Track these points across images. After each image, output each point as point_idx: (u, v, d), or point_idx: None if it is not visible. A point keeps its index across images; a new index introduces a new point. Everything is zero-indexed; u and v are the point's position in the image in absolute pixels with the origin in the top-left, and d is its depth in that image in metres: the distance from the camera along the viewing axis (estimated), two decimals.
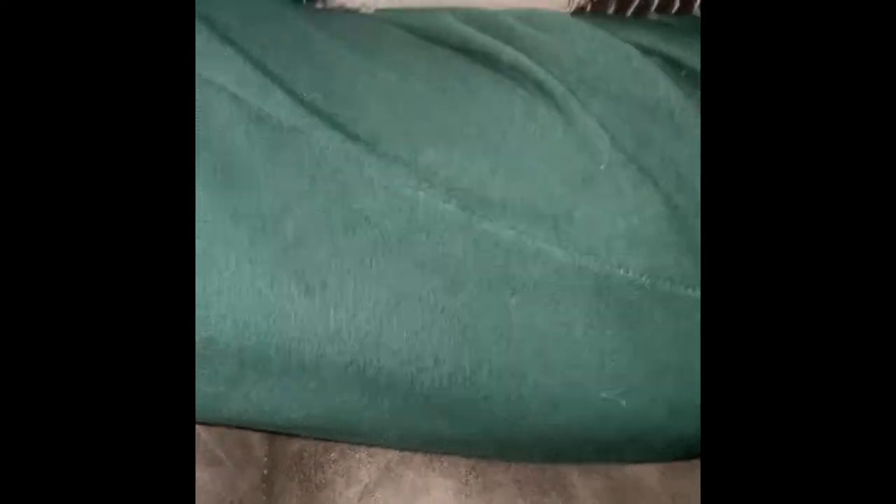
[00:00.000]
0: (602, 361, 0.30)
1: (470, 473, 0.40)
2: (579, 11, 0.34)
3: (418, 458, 0.40)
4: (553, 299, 0.29)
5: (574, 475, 0.40)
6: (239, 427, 0.39)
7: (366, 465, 0.40)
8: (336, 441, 0.40)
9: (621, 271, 0.29)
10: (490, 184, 0.29)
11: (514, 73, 0.31)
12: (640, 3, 0.34)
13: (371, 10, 0.35)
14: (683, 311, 0.30)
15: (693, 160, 0.30)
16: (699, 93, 0.31)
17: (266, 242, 0.28)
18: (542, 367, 0.30)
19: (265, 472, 0.42)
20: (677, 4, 0.34)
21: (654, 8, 0.34)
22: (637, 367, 0.30)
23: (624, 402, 0.30)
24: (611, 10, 0.34)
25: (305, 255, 0.29)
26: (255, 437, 0.43)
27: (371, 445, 0.40)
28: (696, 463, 0.42)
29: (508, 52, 0.31)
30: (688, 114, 0.30)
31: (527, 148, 0.29)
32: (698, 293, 0.29)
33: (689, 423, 0.32)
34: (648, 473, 0.41)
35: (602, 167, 0.29)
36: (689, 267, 0.29)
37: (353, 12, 0.35)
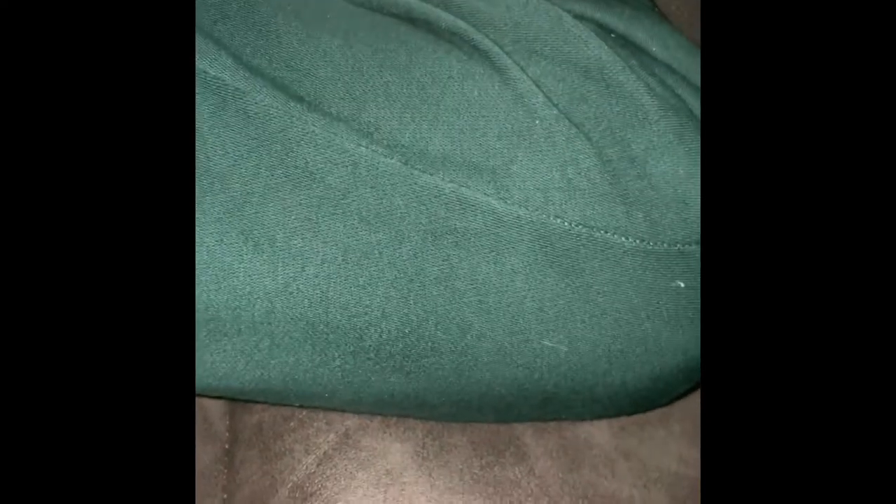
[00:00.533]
0: (542, 308, 0.31)
1: (427, 437, 0.41)
2: None
3: (375, 423, 0.41)
4: (493, 249, 0.30)
5: (527, 435, 0.41)
6: (198, 396, 0.40)
7: (324, 432, 0.41)
8: (293, 408, 0.40)
9: (558, 221, 0.30)
10: (430, 139, 0.30)
11: (453, 37, 0.32)
12: None
13: None
14: (617, 259, 0.31)
15: (623, 115, 0.31)
16: (628, 52, 0.33)
17: (214, 201, 0.29)
18: (486, 317, 0.31)
19: (226, 446, 0.43)
20: None
21: None
22: (576, 313, 0.31)
23: (565, 348, 0.32)
24: None
25: (253, 212, 0.29)
26: (216, 413, 0.44)
27: (328, 412, 0.41)
28: (646, 421, 0.43)
29: (447, 18, 0.32)
30: (617, 71, 0.32)
31: (465, 105, 0.31)
32: (631, 241, 0.31)
33: (629, 368, 0.33)
34: (600, 432, 0.42)
35: (537, 122, 0.31)
36: (621, 216, 0.31)
37: None
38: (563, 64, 0.32)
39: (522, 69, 0.31)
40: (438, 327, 0.31)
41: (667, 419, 0.44)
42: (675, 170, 0.31)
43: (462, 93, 0.31)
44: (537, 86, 0.31)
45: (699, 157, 0.31)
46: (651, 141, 0.31)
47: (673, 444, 0.43)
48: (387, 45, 0.32)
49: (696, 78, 0.35)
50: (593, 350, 0.32)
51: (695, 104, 0.33)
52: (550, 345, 0.32)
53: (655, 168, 0.31)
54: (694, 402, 0.45)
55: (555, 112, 0.31)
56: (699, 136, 0.32)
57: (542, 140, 0.31)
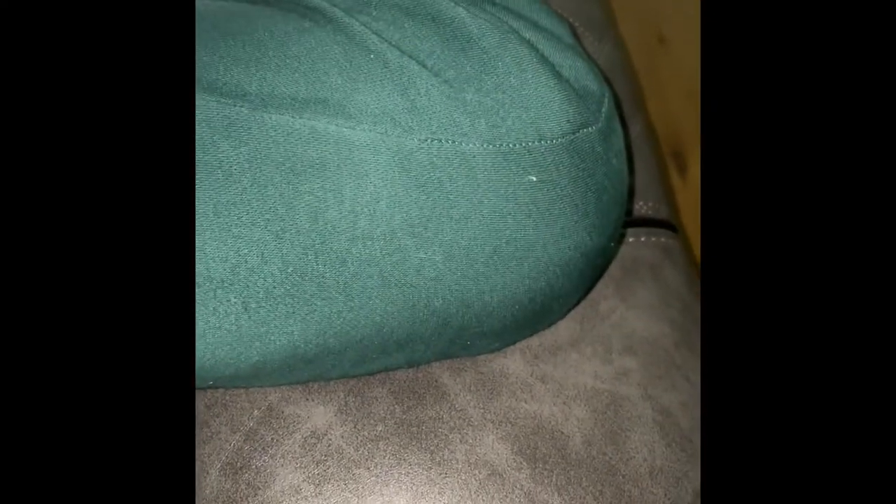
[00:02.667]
0: (411, 223, 0.33)
1: (348, 395, 0.42)
2: None
3: (297, 394, 0.42)
4: (354, 175, 0.33)
5: (444, 376, 0.43)
6: None
7: (247, 411, 0.42)
8: (216, 394, 0.41)
9: (407, 138, 0.33)
10: (275, 84, 0.33)
11: (287, 4, 0.35)
12: None
13: None
14: (468, 164, 0.33)
15: (451, 41, 0.34)
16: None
17: None
18: (362, 243, 0.33)
19: None
20: None
21: None
22: (443, 222, 0.33)
23: (440, 258, 0.34)
24: None
25: None
26: None
27: (251, 392, 0.42)
28: (557, 348, 0.45)
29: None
30: (437, 2, 0.35)
31: (304, 52, 0.33)
32: (477, 145, 0.33)
33: (506, 270, 0.35)
34: (514, 363, 0.44)
35: (372, 56, 0.33)
36: (465, 125, 0.33)
37: None
38: (392, 10, 0.35)
39: (353, 16, 0.34)
40: (318, 261, 0.33)
41: (577, 343, 0.46)
42: (507, 80, 0.34)
43: (300, 44, 0.33)
44: (368, 28, 0.34)
45: (528, 64, 0.34)
46: (481, 58, 0.34)
47: (586, 364, 0.45)
48: (225, 20, 0.34)
49: (527, 12, 0.38)
50: (467, 255, 0.34)
51: (518, 26, 0.36)
52: (426, 256, 0.34)
53: (488, 82, 0.34)
54: (602, 326, 0.47)
55: (386, 45, 0.33)
56: (523, 47, 0.35)
57: (380, 70, 0.33)
